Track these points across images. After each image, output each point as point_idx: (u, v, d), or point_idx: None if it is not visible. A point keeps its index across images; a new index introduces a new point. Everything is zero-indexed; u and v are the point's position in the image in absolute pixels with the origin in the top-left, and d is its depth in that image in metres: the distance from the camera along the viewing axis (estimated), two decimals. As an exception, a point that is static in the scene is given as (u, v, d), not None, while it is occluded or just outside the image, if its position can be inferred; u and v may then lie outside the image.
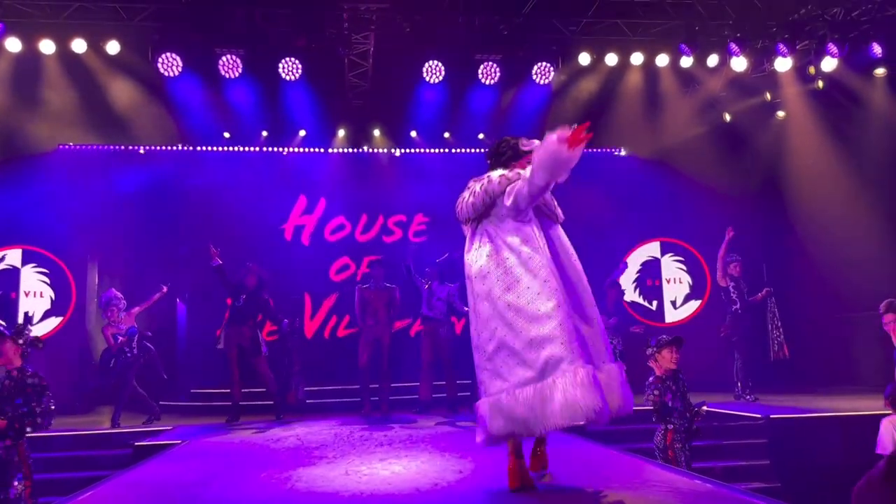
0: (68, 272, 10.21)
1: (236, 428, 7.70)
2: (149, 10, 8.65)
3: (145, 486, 4.61)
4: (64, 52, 8.62)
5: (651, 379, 5.64)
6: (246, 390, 8.65)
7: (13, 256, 10.08)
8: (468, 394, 8.35)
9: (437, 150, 11.20)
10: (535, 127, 10.58)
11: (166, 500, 4.23)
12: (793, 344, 9.13)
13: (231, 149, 10.78)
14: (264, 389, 8.64)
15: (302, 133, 10.86)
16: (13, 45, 8.33)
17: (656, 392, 5.56)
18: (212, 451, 6.02)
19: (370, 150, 11.18)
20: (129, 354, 8.05)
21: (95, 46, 8.61)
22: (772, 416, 7.34)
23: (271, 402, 8.63)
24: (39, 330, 10.02)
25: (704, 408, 5.51)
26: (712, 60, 9.37)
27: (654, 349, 5.68)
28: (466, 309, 9.05)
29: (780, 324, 8.89)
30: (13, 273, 10.04)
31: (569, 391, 3.38)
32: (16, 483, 4.77)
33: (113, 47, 8.56)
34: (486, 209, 3.86)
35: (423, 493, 4.01)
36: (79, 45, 8.50)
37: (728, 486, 3.99)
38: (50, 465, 6.76)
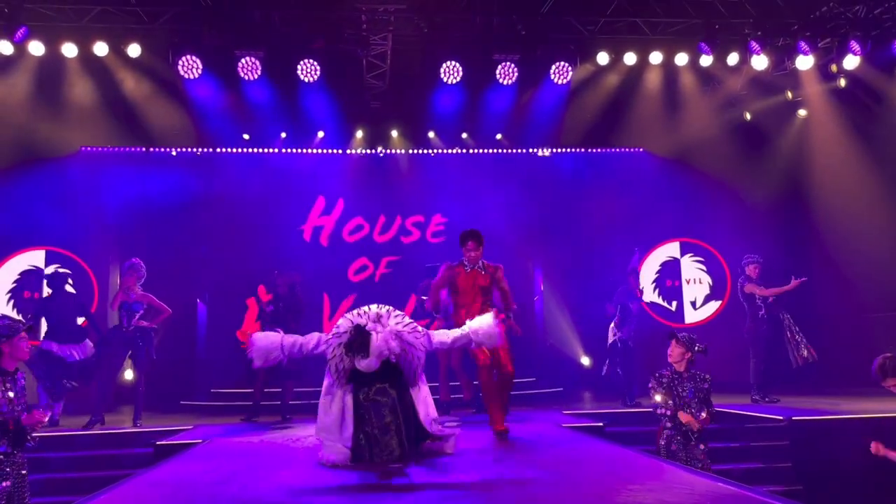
0: (91, 273, 10.31)
1: (257, 427, 7.73)
2: (169, 14, 8.74)
3: (166, 486, 4.64)
4: (86, 55, 8.72)
5: None
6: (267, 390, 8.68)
7: (37, 257, 10.21)
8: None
9: (454, 151, 11.20)
10: (553, 126, 10.57)
11: (187, 499, 4.26)
12: (816, 345, 8.99)
13: (250, 150, 10.85)
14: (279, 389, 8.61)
15: (320, 134, 10.89)
16: (36, 48, 8.43)
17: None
18: (232, 451, 6.05)
19: (388, 151, 11.20)
20: (123, 330, 7.95)
21: (117, 49, 8.71)
22: (794, 418, 7.26)
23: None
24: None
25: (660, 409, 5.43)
26: (732, 59, 9.28)
27: None
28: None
29: (798, 329, 8.71)
30: (37, 274, 10.17)
31: None
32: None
33: (134, 50, 8.64)
34: None
35: (444, 492, 4.01)
36: (100, 48, 8.59)
37: (749, 488, 3.95)
38: (72, 464, 6.85)
